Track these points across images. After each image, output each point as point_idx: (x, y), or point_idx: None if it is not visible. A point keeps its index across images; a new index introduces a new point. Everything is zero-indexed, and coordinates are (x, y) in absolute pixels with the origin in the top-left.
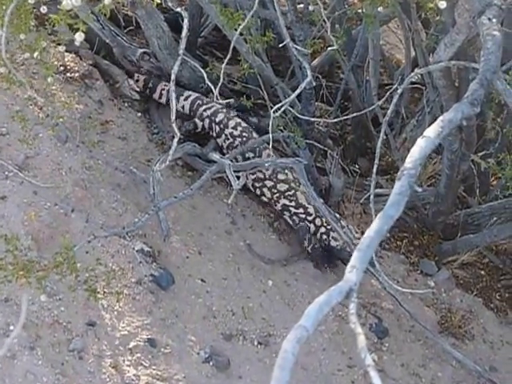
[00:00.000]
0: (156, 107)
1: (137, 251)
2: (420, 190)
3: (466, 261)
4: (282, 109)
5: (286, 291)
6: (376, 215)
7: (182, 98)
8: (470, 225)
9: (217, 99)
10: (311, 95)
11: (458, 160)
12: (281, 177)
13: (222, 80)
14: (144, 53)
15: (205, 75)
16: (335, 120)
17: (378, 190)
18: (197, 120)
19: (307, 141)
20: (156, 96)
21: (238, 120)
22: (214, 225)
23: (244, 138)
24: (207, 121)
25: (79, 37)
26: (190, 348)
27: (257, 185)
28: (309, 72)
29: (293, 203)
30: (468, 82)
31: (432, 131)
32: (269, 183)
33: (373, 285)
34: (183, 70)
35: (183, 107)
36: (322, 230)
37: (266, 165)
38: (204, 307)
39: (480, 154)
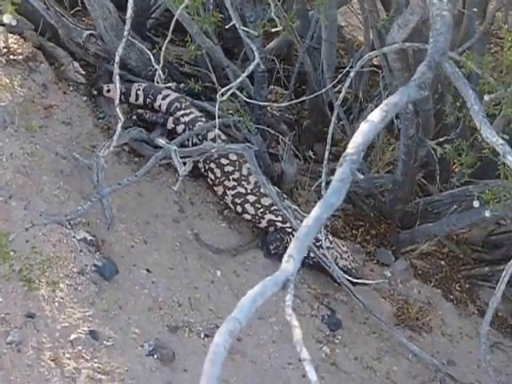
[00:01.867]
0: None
1: (79, 240)
2: (362, 176)
3: (426, 250)
4: (230, 92)
5: (235, 281)
6: None
7: (159, 97)
8: (430, 213)
9: (167, 82)
10: (263, 78)
11: (415, 146)
12: (262, 190)
13: (162, 62)
14: (90, 35)
15: (151, 57)
16: (285, 104)
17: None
18: (171, 120)
19: (259, 126)
20: (132, 99)
21: (218, 132)
22: (161, 213)
23: (224, 152)
24: (182, 126)
25: (7, 19)
26: (134, 340)
27: (237, 201)
28: (256, 54)
29: (279, 218)
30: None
31: (376, 115)
32: (251, 198)
33: (326, 275)
34: (131, 52)
35: (160, 106)
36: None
37: (213, 151)
38: (149, 298)
39: (441, 139)
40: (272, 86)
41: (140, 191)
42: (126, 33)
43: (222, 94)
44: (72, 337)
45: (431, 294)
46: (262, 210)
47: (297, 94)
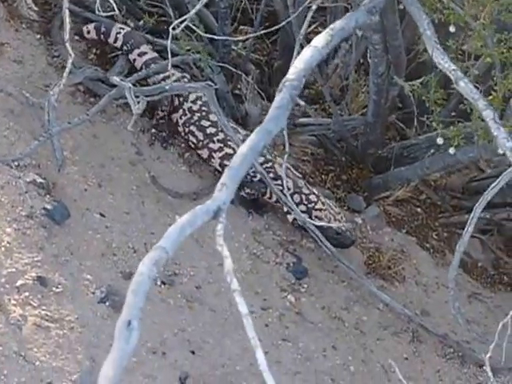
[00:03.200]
0: (59, 28)
1: (28, 183)
2: (302, 103)
3: (401, 197)
4: (184, 24)
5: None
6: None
7: (136, 51)
8: (406, 158)
9: (125, 19)
10: (226, 14)
11: (386, 85)
12: None
13: None
14: None
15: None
16: (245, 38)
17: (303, 120)
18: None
19: (222, 64)
20: (111, 40)
21: (200, 93)
22: (116, 155)
23: (204, 113)
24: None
25: None
26: (85, 287)
27: (226, 163)
28: None
29: (271, 175)
30: None
31: (320, 40)
32: None
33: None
34: None
35: (134, 60)
36: (302, 208)
37: (167, 87)
38: (103, 243)
39: (418, 80)
40: (242, 27)
41: (95, 133)
42: None
43: (174, 28)
44: (18, 283)
45: (405, 242)
46: (253, 169)
47: (269, 35)
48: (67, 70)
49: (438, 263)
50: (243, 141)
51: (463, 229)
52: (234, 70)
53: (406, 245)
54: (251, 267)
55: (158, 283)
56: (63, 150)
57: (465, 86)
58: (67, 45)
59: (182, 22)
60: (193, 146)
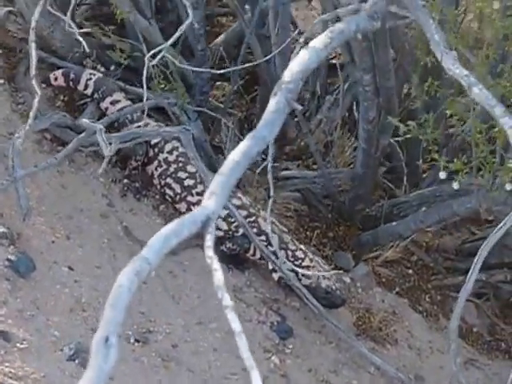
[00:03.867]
0: (24, 73)
1: None
2: (300, 107)
3: (390, 258)
4: (160, 55)
5: (171, 282)
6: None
7: (108, 99)
8: (396, 216)
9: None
10: (204, 57)
11: (377, 132)
12: (236, 202)
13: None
14: (9, 12)
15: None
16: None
17: (286, 172)
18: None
19: (199, 109)
20: (81, 87)
21: (176, 144)
22: (86, 207)
23: (180, 164)
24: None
25: None
26: (52, 344)
27: None
28: (190, 12)
29: (254, 230)
30: (385, 33)
31: (318, 41)
32: (222, 212)
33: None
34: (55, 30)
35: (106, 109)
36: (288, 265)
37: (140, 131)
38: (71, 298)
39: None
40: (220, 82)
41: (63, 183)
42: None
43: (153, 56)
44: None
45: (397, 303)
46: (236, 223)
47: (248, 91)
48: (34, 109)
49: (432, 327)
50: None
51: (458, 291)
52: (212, 114)
53: (397, 306)
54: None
55: (132, 341)
56: (29, 200)
57: (479, 93)
58: (33, 81)
59: (157, 53)
60: (170, 199)
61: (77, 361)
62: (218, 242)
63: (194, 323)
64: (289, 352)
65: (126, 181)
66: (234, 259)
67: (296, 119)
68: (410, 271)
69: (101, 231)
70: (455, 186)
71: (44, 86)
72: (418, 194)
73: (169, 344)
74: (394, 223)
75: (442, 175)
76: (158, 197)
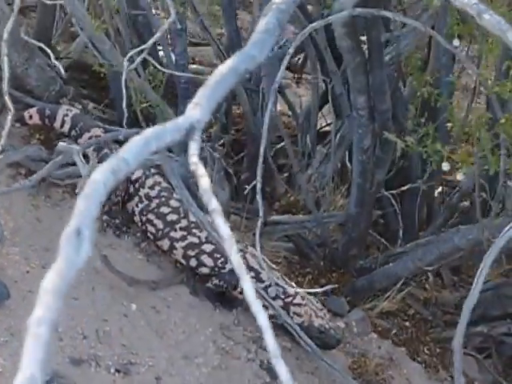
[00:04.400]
0: None
1: None
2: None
3: (387, 309)
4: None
5: (154, 318)
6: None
7: (86, 135)
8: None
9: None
10: (187, 91)
11: (372, 165)
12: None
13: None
14: None
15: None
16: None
17: (276, 217)
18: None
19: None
20: (58, 124)
21: (159, 179)
22: None
23: (163, 199)
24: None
25: None
26: None
27: (191, 253)
28: (172, 11)
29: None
30: (379, 44)
31: None
32: (208, 247)
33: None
34: (29, 67)
35: (90, 137)
36: (279, 303)
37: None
38: None
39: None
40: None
41: (38, 216)
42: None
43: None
44: None
45: (394, 351)
46: (223, 259)
47: (236, 150)
48: (6, 128)
49: (431, 378)
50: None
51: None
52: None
53: (394, 353)
54: (219, 362)
55: (112, 371)
56: (3, 230)
57: (490, 18)
58: (6, 97)
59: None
60: (151, 236)
61: None
62: (205, 279)
63: (178, 357)
64: None
65: (105, 217)
66: (221, 297)
67: (285, 174)
68: (408, 323)
69: None
70: (459, 176)
71: (18, 125)
72: (416, 244)
73: (152, 376)
74: (390, 264)
75: (445, 166)
76: (139, 234)
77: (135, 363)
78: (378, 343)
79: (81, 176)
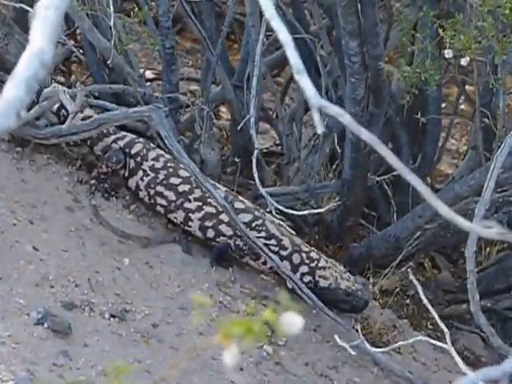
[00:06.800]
0: None
1: None
2: None
3: (386, 287)
4: None
5: (148, 273)
6: None
7: (81, 115)
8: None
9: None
10: (172, 57)
11: (365, 121)
12: (239, 205)
13: None
14: None
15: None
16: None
17: (267, 189)
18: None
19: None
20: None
21: (160, 151)
22: (50, 200)
23: (171, 170)
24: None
25: None
26: (18, 310)
27: (208, 224)
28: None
29: (262, 233)
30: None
31: None
32: (225, 217)
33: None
34: (9, 44)
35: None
36: (304, 269)
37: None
38: (36, 274)
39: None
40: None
41: (23, 178)
42: None
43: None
44: None
45: (397, 321)
46: (236, 230)
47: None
48: None
49: (436, 348)
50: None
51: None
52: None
53: (397, 321)
54: (217, 315)
55: (107, 316)
56: None
57: None
58: None
59: None
60: (162, 210)
61: (45, 324)
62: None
63: (175, 307)
64: (282, 344)
65: (93, 181)
66: (220, 256)
67: (273, 166)
68: (408, 301)
69: (67, 221)
70: (463, 61)
71: None
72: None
73: (149, 323)
74: (388, 228)
75: (449, 53)
76: (128, 197)
77: (130, 311)
78: (379, 311)
79: (64, 135)
